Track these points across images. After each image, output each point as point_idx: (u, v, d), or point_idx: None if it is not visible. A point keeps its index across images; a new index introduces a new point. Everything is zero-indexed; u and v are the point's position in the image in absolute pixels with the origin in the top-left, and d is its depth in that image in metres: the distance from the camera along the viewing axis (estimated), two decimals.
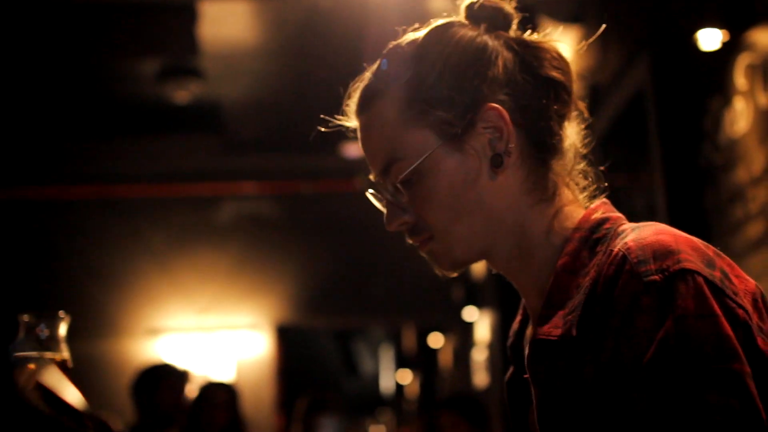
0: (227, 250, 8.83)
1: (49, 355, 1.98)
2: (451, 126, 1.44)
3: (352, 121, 1.56)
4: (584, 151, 1.55)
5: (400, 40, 1.55)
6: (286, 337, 9.13)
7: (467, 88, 1.45)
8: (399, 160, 1.45)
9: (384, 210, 1.52)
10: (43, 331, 2.00)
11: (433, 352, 13.42)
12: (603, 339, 1.26)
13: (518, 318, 1.62)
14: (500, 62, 1.47)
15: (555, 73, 1.49)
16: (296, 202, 9.09)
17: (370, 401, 21.43)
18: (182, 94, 7.34)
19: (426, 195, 1.45)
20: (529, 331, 1.55)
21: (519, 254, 1.48)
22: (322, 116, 1.63)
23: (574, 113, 1.54)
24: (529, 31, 1.55)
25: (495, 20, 1.53)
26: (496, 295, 7.88)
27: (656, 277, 1.23)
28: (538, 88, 1.48)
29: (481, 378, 9.14)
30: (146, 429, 5.07)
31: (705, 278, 1.23)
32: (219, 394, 5.65)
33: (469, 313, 8.98)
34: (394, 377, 19.37)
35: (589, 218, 1.45)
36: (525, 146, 1.47)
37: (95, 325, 8.22)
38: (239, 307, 8.77)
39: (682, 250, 1.26)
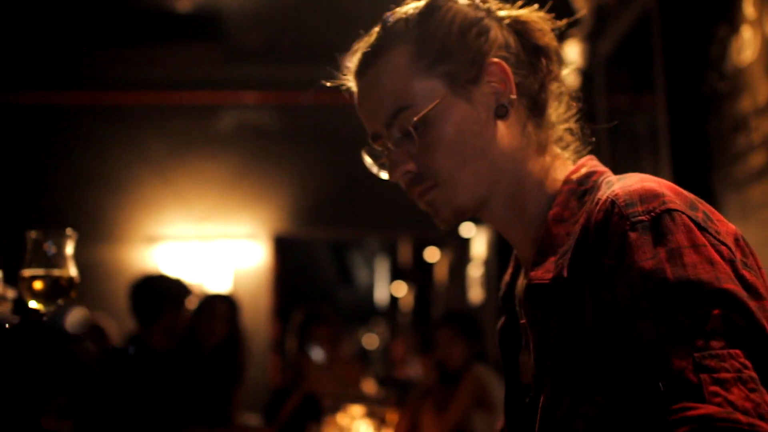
0: (227, 160, 8.80)
1: (56, 272, 2.00)
2: (459, 77, 1.53)
3: (350, 82, 1.65)
4: (572, 111, 1.66)
5: (399, 8, 1.64)
6: (283, 247, 9.15)
7: (472, 44, 1.56)
8: (408, 107, 1.52)
9: (380, 171, 1.66)
10: (51, 248, 2.02)
11: (429, 266, 13.50)
12: (598, 278, 1.33)
13: (509, 270, 1.71)
14: (497, 26, 1.60)
15: (542, 41, 1.62)
16: (296, 113, 9.03)
17: (365, 311, 21.66)
18: (184, 2, 7.27)
19: (434, 141, 1.52)
20: (521, 281, 1.63)
21: (513, 204, 1.57)
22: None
23: (560, 78, 1.65)
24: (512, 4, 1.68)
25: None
26: None
27: (644, 217, 1.30)
28: (529, 53, 1.61)
29: (476, 293, 9.22)
30: (147, 344, 5.11)
31: (689, 217, 1.30)
32: (219, 307, 5.68)
33: (467, 228, 9.01)
34: (389, 289, 19.49)
35: (577, 171, 1.55)
36: (521, 102, 1.58)
37: (94, 231, 8.24)
38: (237, 217, 8.77)
39: (666, 193, 1.33)
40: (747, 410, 1.14)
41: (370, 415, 5.64)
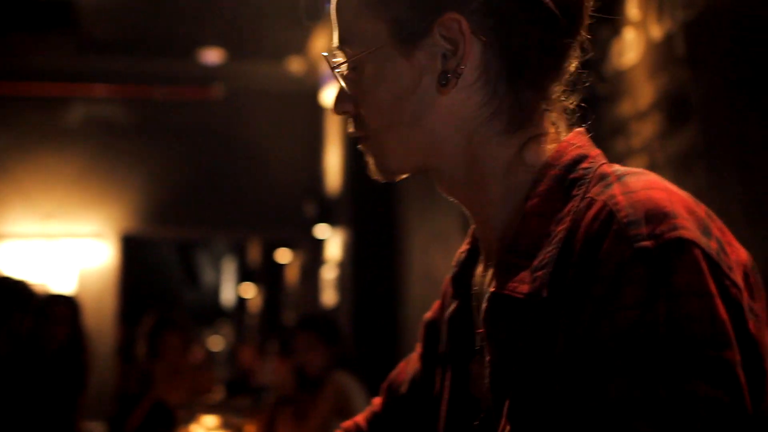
0: (74, 155, 8.52)
1: None
2: (405, 26, 1.27)
3: None
4: (570, 86, 1.37)
5: None
6: (130, 246, 8.91)
7: None
8: (347, 43, 1.32)
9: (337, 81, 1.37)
10: None
11: (280, 267, 13.34)
12: (580, 307, 1.10)
13: (466, 246, 1.45)
14: None
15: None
16: (148, 108, 8.80)
17: (210, 312, 21.40)
18: None
19: (365, 91, 1.31)
20: (480, 269, 1.38)
21: (467, 182, 1.31)
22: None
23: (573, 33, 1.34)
24: None
25: None
26: (350, 213, 7.81)
27: (648, 243, 1.07)
28: (525, 9, 1.26)
29: (329, 296, 9.10)
30: None
31: (702, 250, 1.07)
32: (59, 308, 5.40)
33: (321, 230, 8.88)
34: (237, 290, 19.29)
35: (563, 153, 1.27)
36: (495, 68, 1.27)
37: None
38: (84, 215, 8.50)
39: (678, 213, 1.10)
40: None
41: (226, 426, 5.46)
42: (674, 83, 3.32)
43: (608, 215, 1.10)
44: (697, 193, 3.24)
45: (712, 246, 1.09)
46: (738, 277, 1.10)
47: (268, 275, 14.62)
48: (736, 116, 3.05)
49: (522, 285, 1.18)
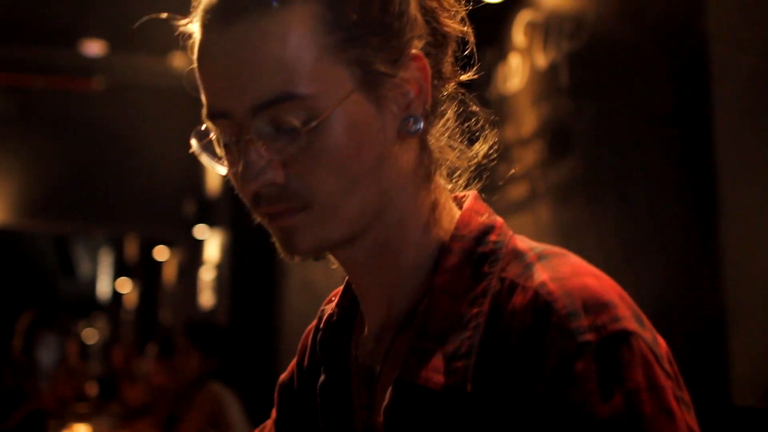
0: None
1: None
2: (373, 67, 1.08)
3: (196, 22, 1.12)
4: (456, 121, 1.22)
5: None
6: (3, 239, 8.68)
7: (394, 25, 1.10)
8: (298, 97, 1.04)
9: (216, 164, 1.15)
10: None
11: (158, 265, 13.12)
12: (519, 405, 1.01)
13: (335, 308, 1.30)
14: (414, 4, 1.13)
15: (454, 25, 1.18)
16: (27, 97, 8.56)
17: (86, 305, 21.03)
18: None
19: (323, 151, 1.06)
20: (364, 335, 1.24)
21: (386, 249, 1.16)
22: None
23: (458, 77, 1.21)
24: None
25: None
26: (230, 214, 7.71)
27: (590, 336, 0.99)
28: (437, 41, 1.16)
29: (207, 297, 9.00)
30: None
31: (645, 341, 1.01)
32: None
33: (200, 230, 8.74)
34: (113, 284, 18.97)
35: (469, 223, 1.15)
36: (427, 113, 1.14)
37: None
38: None
39: (615, 302, 1.02)
40: None
41: None
42: (557, 112, 3.32)
43: (544, 306, 1.02)
44: (577, 224, 3.23)
45: (647, 336, 1.02)
46: (668, 366, 1.04)
47: (145, 272, 14.38)
48: (617, 147, 3.05)
49: (436, 375, 1.07)
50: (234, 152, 1.10)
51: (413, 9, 1.12)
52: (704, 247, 2.62)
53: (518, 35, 3.57)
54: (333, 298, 1.34)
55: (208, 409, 5.18)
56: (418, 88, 1.11)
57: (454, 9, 1.18)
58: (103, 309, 21.19)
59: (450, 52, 1.18)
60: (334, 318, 1.30)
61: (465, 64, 1.23)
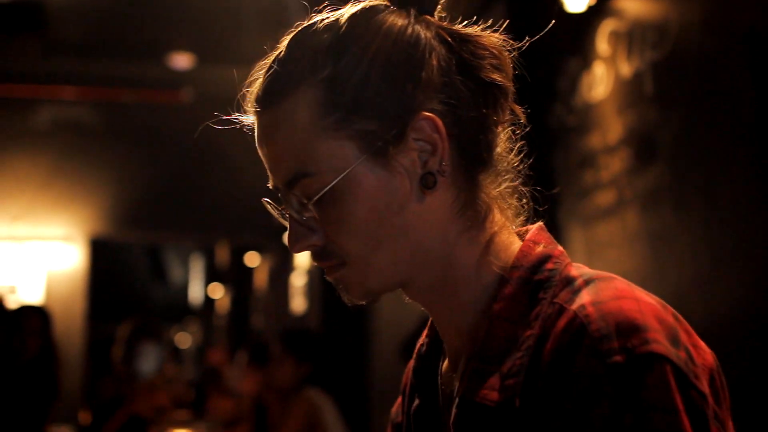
0: (42, 157, 8.44)
1: None
2: (376, 138, 1.19)
3: (249, 114, 1.29)
4: (517, 166, 1.32)
5: (313, 21, 1.26)
6: (98, 249, 8.85)
7: (398, 93, 1.20)
8: (310, 175, 1.20)
9: (285, 223, 1.27)
10: None
11: (249, 271, 13.28)
12: (551, 420, 1.09)
13: (425, 339, 1.43)
14: (435, 61, 1.22)
15: (496, 76, 1.26)
16: (117, 111, 8.75)
17: (178, 310, 21.31)
18: None
19: (342, 218, 1.21)
20: (446, 366, 1.35)
21: (442, 288, 1.26)
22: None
23: (507, 120, 1.31)
24: (459, 19, 1.30)
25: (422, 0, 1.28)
26: None
27: (619, 358, 1.06)
28: (476, 93, 1.24)
29: (298, 303, 9.09)
30: None
31: (672, 364, 1.07)
32: (30, 319, 5.38)
33: None
34: (205, 290, 19.17)
35: (528, 254, 1.24)
36: (457, 161, 1.24)
37: None
38: (52, 218, 8.42)
39: (649, 325, 1.08)
40: None
41: None
42: (642, 120, 3.35)
43: (579, 328, 1.09)
44: (664, 230, 3.26)
45: (681, 356, 1.08)
46: (704, 384, 1.10)
47: (236, 277, 14.54)
48: (702, 155, 3.07)
49: (492, 392, 1.16)
50: (287, 223, 1.27)
51: (428, 72, 1.22)
52: None
53: (602, 44, 3.60)
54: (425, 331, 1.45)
55: (304, 416, 5.27)
56: (432, 147, 1.21)
57: (497, 58, 1.27)
58: (195, 314, 21.42)
59: (498, 96, 1.27)
60: (424, 349, 1.41)
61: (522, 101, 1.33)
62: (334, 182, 1.19)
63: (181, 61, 8.60)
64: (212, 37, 7.96)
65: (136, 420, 5.86)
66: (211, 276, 17.70)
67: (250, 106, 1.28)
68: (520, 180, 1.32)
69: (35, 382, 5.32)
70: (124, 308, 7.10)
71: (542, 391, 1.11)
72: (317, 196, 1.20)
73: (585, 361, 1.07)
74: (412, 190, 1.21)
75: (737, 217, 2.88)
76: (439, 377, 1.37)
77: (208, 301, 19.01)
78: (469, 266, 1.25)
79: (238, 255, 13.65)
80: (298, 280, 9.13)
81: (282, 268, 10.18)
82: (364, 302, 1.30)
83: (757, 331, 2.72)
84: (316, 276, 8.32)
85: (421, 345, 1.42)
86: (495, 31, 1.30)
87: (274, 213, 1.30)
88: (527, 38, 1.29)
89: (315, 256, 1.27)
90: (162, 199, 8.70)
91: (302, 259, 8.82)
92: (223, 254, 14.84)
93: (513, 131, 1.32)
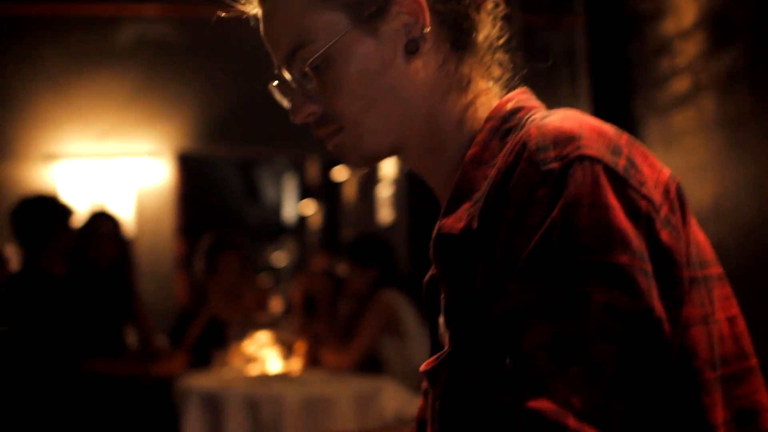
0: (127, 74, 8.49)
1: None
2: (363, 8, 1.35)
3: (253, 7, 1.48)
4: (500, 40, 1.46)
5: None
6: (187, 165, 8.92)
7: None
8: (307, 43, 1.37)
9: (288, 104, 1.45)
10: None
11: (337, 185, 13.35)
12: (497, 231, 1.19)
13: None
14: None
15: None
16: (200, 26, 8.73)
17: (273, 229, 21.55)
18: None
19: (336, 81, 1.37)
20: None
21: (431, 147, 1.42)
22: None
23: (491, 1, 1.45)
24: None
25: None
26: None
27: (554, 165, 1.15)
28: None
29: (385, 214, 9.11)
30: (42, 269, 4.85)
31: (605, 165, 1.14)
32: (104, 225, 5.42)
33: None
34: (297, 207, 19.35)
35: (502, 108, 1.38)
36: (440, 32, 1.40)
37: None
38: (139, 134, 8.49)
39: (585, 135, 1.17)
40: (584, 414, 1.06)
41: (277, 342, 5.53)
42: (718, 2, 3.23)
43: (521, 146, 1.20)
44: (741, 115, 3.18)
45: (619, 162, 1.16)
46: (653, 192, 1.17)
47: (326, 193, 14.65)
48: None
49: (458, 222, 1.29)
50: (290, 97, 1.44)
51: None
52: None
53: None
54: None
55: (382, 316, 5.30)
56: (414, 15, 1.36)
57: None
58: (289, 232, 21.64)
59: None
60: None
61: None
62: (327, 46, 1.35)
63: None
64: None
65: (216, 323, 5.96)
66: (303, 193, 17.84)
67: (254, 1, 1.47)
68: (508, 53, 1.47)
69: (114, 285, 5.39)
70: (214, 226, 7.13)
71: (491, 208, 1.22)
72: (312, 59, 1.36)
73: (523, 172, 1.17)
74: (398, 55, 1.37)
75: None
76: None
77: (301, 219, 19.19)
78: (452, 124, 1.40)
79: (327, 170, 13.71)
80: (384, 191, 9.13)
81: (369, 181, 10.20)
82: (362, 168, 1.48)
83: None
84: (402, 186, 8.31)
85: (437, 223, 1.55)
86: None
87: (279, 97, 1.48)
88: None
89: (315, 125, 1.44)
90: (249, 113, 8.69)
91: (388, 170, 8.81)
92: (313, 170, 14.91)
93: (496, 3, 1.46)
